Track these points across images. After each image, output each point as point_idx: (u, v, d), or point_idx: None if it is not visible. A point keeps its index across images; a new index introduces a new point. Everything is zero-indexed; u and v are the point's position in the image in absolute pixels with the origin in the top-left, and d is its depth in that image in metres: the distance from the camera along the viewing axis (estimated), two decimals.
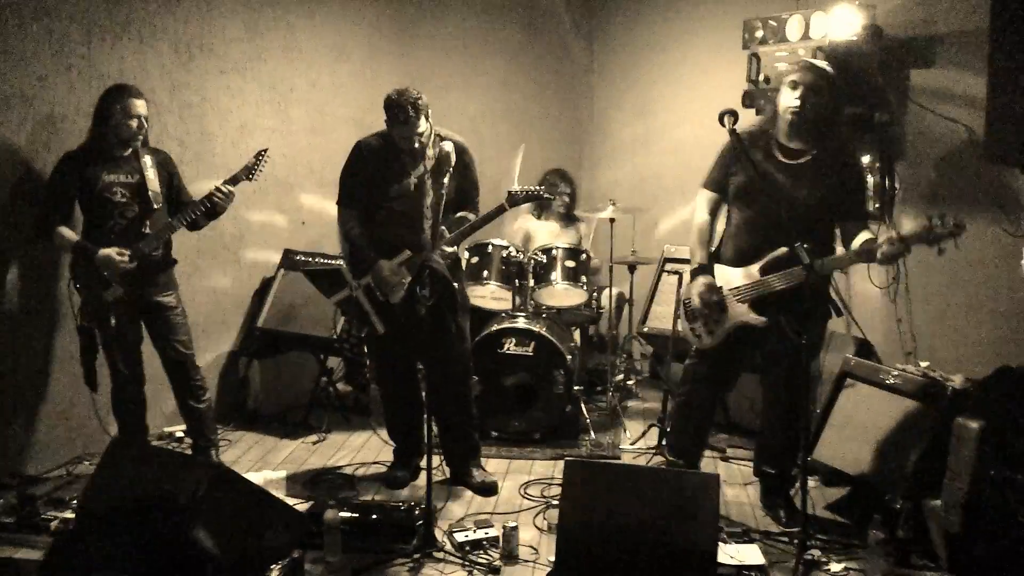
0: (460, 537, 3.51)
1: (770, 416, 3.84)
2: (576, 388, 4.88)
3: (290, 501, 3.68)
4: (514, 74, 6.58)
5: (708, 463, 4.49)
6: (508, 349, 4.76)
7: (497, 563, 3.37)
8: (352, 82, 5.77)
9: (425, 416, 3.78)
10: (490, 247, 5.04)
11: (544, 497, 4.05)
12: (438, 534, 3.55)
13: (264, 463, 4.54)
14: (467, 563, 3.38)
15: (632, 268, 5.36)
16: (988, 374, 3.49)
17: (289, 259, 5.29)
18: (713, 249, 3.79)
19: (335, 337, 5.03)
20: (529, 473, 4.38)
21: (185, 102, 4.84)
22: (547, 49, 6.65)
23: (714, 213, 3.77)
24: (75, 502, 3.72)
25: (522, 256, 5.02)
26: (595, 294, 5.22)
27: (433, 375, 4.05)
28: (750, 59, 4.72)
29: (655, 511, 3.01)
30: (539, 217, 5.84)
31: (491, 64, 6.48)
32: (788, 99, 3.46)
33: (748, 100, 4.70)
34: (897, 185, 4.54)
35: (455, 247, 3.96)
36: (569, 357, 4.77)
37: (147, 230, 4.00)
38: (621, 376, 5.66)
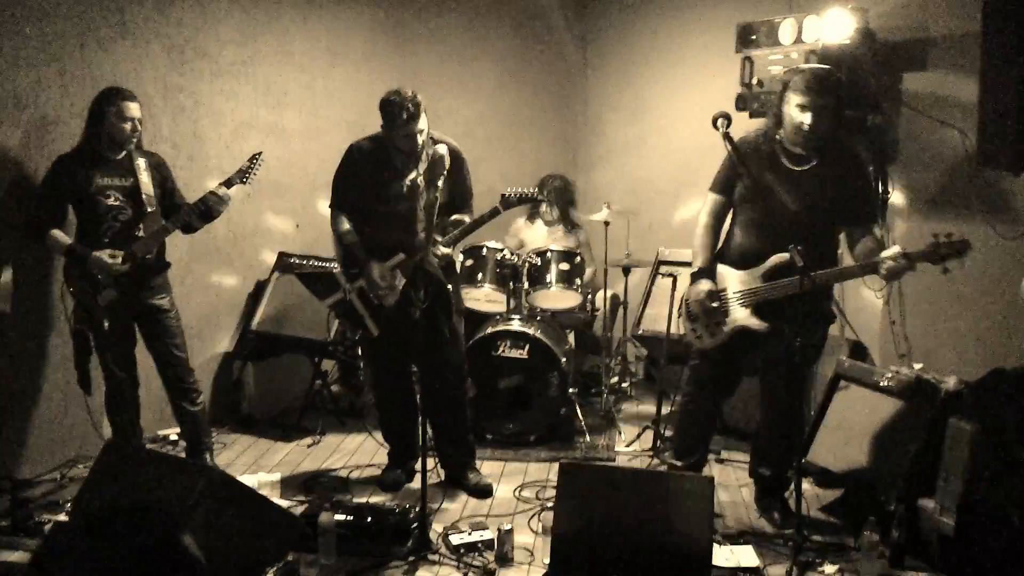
0: (455, 539, 3.51)
1: (767, 418, 3.84)
2: (571, 390, 4.88)
3: (285, 504, 3.68)
4: (508, 77, 6.59)
5: None
6: (503, 352, 4.76)
7: (492, 566, 3.37)
8: (346, 85, 5.77)
9: (420, 419, 3.78)
10: (484, 250, 5.04)
11: (539, 499, 4.06)
12: (433, 537, 3.55)
13: (258, 466, 4.53)
14: (462, 565, 3.38)
15: (626, 270, 5.36)
16: (981, 376, 3.50)
17: (283, 262, 5.29)
18: (718, 246, 3.79)
19: (329, 340, 5.03)
20: (524, 475, 4.38)
21: (179, 105, 4.83)
22: (541, 52, 6.66)
23: (719, 216, 3.75)
24: (69, 505, 3.71)
25: (516, 259, 5.02)
26: (589, 296, 5.22)
27: (428, 378, 4.05)
28: (743, 62, 4.73)
29: (650, 513, 3.02)
30: (534, 222, 5.81)
31: (485, 67, 6.49)
32: (800, 117, 3.42)
33: (741, 103, 4.71)
34: (890, 188, 4.56)
35: (450, 248, 3.96)
36: (564, 359, 4.77)
37: (141, 233, 4.00)
38: (616, 378, 5.66)
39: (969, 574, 3.18)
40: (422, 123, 3.80)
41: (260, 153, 4.16)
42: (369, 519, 3.54)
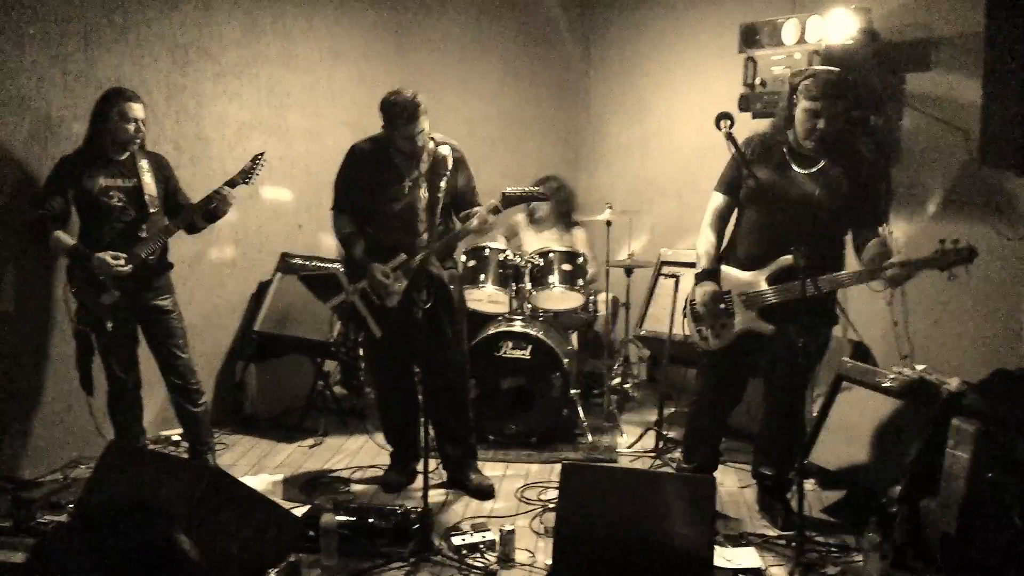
0: (457, 540, 3.51)
1: (770, 419, 3.84)
2: (573, 391, 4.88)
3: (287, 505, 3.68)
4: (510, 77, 6.59)
5: None
6: (505, 352, 4.76)
7: (494, 567, 3.37)
8: (349, 86, 5.77)
9: (422, 419, 3.78)
10: (487, 250, 5.04)
11: (541, 500, 4.05)
12: (435, 538, 3.55)
13: (260, 467, 4.53)
14: (464, 567, 3.38)
15: (629, 271, 5.36)
16: (984, 377, 3.49)
17: (286, 262, 5.29)
18: (723, 246, 3.78)
19: (331, 340, 5.03)
20: (526, 476, 4.38)
21: (182, 106, 4.84)
22: (543, 52, 6.66)
23: (724, 216, 3.74)
24: (71, 506, 3.71)
25: (519, 259, 5.02)
26: (592, 297, 5.22)
27: (430, 378, 4.05)
28: (746, 63, 4.73)
29: (651, 514, 3.02)
30: (531, 223, 5.79)
31: (487, 67, 6.49)
32: (811, 120, 3.42)
33: (744, 104, 4.70)
34: (893, 188, 4.55)
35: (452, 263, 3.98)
36: (566, 360, 4.77)
37: (143, 234, 4.00)
38: (618, 379, 5.66)
39: (971, 575, 3.17)
40: (422, 124, 3.79)
41: (263, 153, 4.16)
42: (371, 520, 3.54)
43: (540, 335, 4.74)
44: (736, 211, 3.75)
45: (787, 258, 3.45)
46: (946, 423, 3.32)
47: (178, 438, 4.69)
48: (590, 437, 4.85)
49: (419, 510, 3.55)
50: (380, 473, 4.35)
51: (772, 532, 3.70)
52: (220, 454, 4.58)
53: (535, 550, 3.55)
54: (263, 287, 5.34)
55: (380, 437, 4.45)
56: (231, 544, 2.95)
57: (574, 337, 5.50)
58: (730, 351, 3.72)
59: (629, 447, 4.78)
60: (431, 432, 3.95)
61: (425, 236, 3.90)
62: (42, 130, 4.20)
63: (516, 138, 6.61)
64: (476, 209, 3.90)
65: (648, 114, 6.36)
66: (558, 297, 5.05)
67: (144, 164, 4.04)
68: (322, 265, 5.03)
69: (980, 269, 3.98)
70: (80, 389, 4.09)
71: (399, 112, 3.75)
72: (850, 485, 3.90)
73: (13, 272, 4.18)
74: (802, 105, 3.44)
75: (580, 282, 5.04)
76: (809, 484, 4.00)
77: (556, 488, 3.32)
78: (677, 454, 4.45)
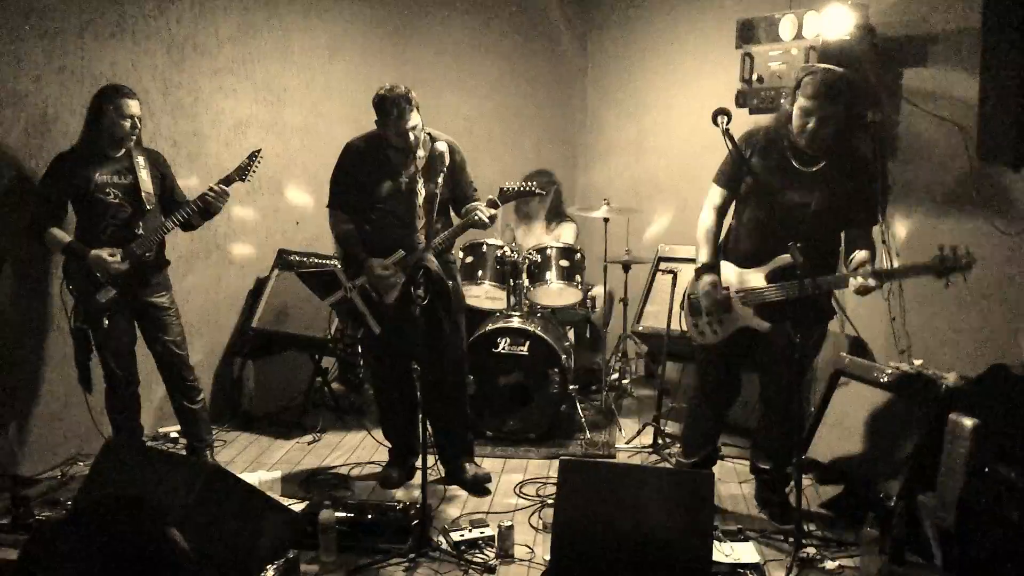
0: (456, 536, 3.51)
1: (767, 414, 3.85)
2: (571, 387, 4.88)
3: (285, 501, 3.67)
4: (507, 74, 6.58)
5: None
6: (503, 348, 4.76)
7: (492, 562, 3.38)
8: (346, 82, 5.76)
9: (420, 416, 3.78)
10: (484, 246, 5.04)
11: (539, 496, 4.06)
12: (433, 534, 3.55)
13: (259, 463, 4.53)
14: (463, 563, 3.38)
15: (626, 267, 5.36)
16: (982, 372, 3.50)
17: (283, 259, 5.29)
18: (720, 240, 3.79)
19: (329, 337, 5.03)
20: (524, 472, 4.38)
21: (178, 102, 4.83)
22: (540, 49, 6.65)
23: (723, 210, 3.75)
24: (69, 503, 3.71)
25: (516, 255, 5.02)
26: (589, 292, 5.22)
27: (428, 375, 4.05)
28: (743, 58, 4.72)
29: (650, 510, 3.02)
30: (521, 219, 5.77)
31: (484, 64, 6.48)
32: (804, 120, 3.43)
33: (741, 99, 4.70)
34: (890, 184, 4.55)
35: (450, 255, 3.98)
36: (564, 356, 4.77)
37: (140, 231, 3.99)
38: (616, 375, 5.66)
39: (969, 569, 3.18)
40: (414, 119, 3.79)
41: (259, 150, 4.16)
42: (370, 516, 3.54)
43: (538, 331, 4.74)
44: (734, 205, 3.76)
45: (786, 257, 3.45)
46: (944, 418, 3.33)
47: (176, 435, 4.69)
48: (588, 433, 4.85)
49: (418, 506, 3.56)
50: (378, 469, 4.36)
51: (770, 527, 3.70)
52: (218, 451, 4.58)
53: (534, 545, 3.55)
54: (261, 284, 5.33)
55: (378, 433, 4.45)
56: (230, 541, 2.95)
57: (572, 333, 5.50)
58: (726, 345, 3.73)
59: (627, 443, 4.79)
60: (429, 428, 3.94)
61: (423, 232, 3.89)
62: (38, 127, 4.19)
63: (514, 135, 6.61)
64: (474, 205, 3.91)
65: (645, 110, 6.36)
66: (556, 293, 5.05)
67: (140, 161, 4.04)
68: (320, 262, 5.03)
69: (977, 264, 3.99)
70: (78, 386, 4.08)
71: (390, 107, 3.75)
72: (848, 480, 3.91)
73: (10, 270, 4.17)
74: (798, 102, 3.45)
75: (577, 278, 5.05)
76: (807, 479, 4.01)
77: (554, 484, 3.32)
78: (675, 449, 4.45)
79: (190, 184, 4.46)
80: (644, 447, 4.69)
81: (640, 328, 5.39)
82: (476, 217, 3.82)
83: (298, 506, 3.73)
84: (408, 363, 4.26)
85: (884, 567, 3.22)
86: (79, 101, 4.16)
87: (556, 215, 5.68)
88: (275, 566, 3.11)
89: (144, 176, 4.02)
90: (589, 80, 6.75)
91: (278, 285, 5.22)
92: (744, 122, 3.88)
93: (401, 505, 3.63)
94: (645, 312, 5.41)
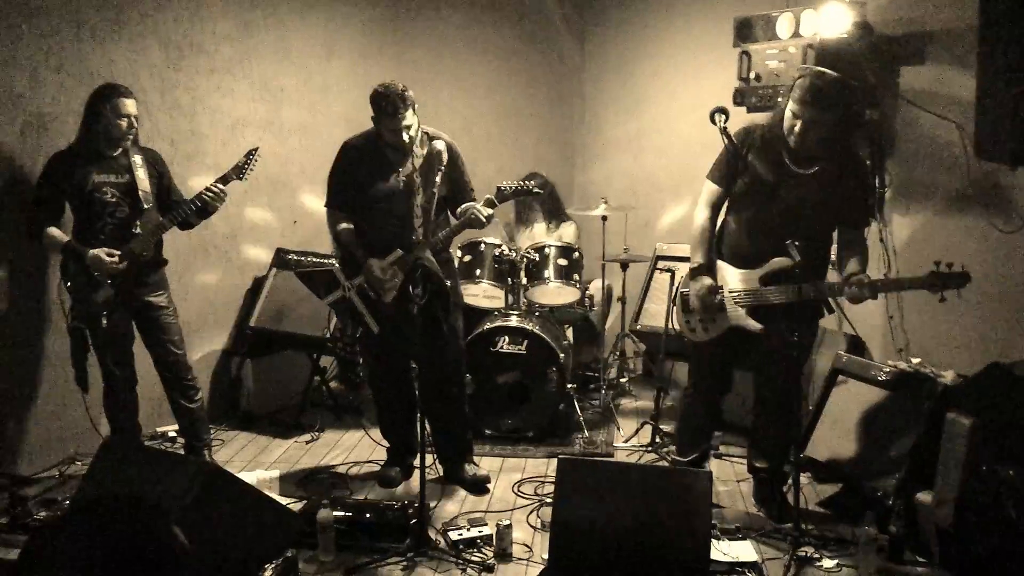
0: (454, 535, 3.51)
1: (763, 413, 3.85)
2: (569, 386, 4.88)
3: (283, 500, 3.68)
4: (505, 73, 6.58)
5: None
6: (501, 347, 4.76)
7: (491, 561, 3.38)
8: (343, 81, 5.76)
9: (418, 415, 3.78)
10: (482, 245, 5.04)
11: (538, 495, 4.06)
12: (432, 533, 3.55)
13: (257, 463, 4.53)
14: (461, 561, 3.38)
15: (625, 266, 5.36)
16: (979, 370, 3.50)
17: (281, 258, 5.28)
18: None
19: (327, 336, 5.03)
20: (522, 471, 4.38)
21: (176, 101, 4.82)
22: (539, 47, 6.65)
23: (716, 208, 3.74)
24: (67, 503, 3.70)
25: (514, 254, 5.02)
26: (587, 291, 5.22)
27: (426, 374, 4.05)
28: (741, 57, 4.73)
29: (648, 508, 3.02)
30: (520, 221, 5.77)
31: (482, 63, 6.48)
32: (791, 123, 3.43)
33: (739, 98, 4.70)
34: (888, 182, 4.55)
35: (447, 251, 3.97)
36: (562, 355, 4.77)
37: (137, 230, 3.99)
38: (614, 374, 5.66)
39: (967, 567, 3.18)
40: (409, 118, 3.79)
41: (257, 149, 4.15)
42: (368, 515, 3.55)
43: (536, 330, 4.74)
44: (727, 203, 3.75)
45: (782, 260, 3.46)
46: (941, 416, 3.33)
47: (174, 434, 4.69)
48: (586, 432, 4.85)
49: (416, 505, 3.56)
50: (377, 468, 4.36)
51: (768, 525, 3.71)
52: (216, 450, 4.58)
53: (532, 544, 3.55)
54: (259, 283, 5.33)
55: (376, 432, 4.45)
56: (228, 540, 2.95)
57: (570, 332, 5.50)
58: (717, 343, 3.73)
59: (625, 441, 4.79)
60: (428, 427, 3.94)
61: (420, 231, 3.89)
62: (35, 126, 4.19)
63: (512, 133, 6.60)
64: (471, 204, 3.90)
65: (643, 109, 6.36)
66: (554, 292, 5.05)
67: (138, 160, 4.03)
68: (318, 261, 5.02)
69: (975, 262, 3.99)
70: (75, 386, 4.08)
71: (385, 104, 3.75)
72: (846, 478, 3.91)
73: (7, 269, 4.17)
74: (790, 105, 3.44)
75: (575, 277, 5.05)
76: (805, 477, 4.01)
77: (553, 483, 3.32)
78: (673, 447, 4.45)
79: (188, 183, 4.46)
80: (642, 446, 4.69)
81: (638, 327, 5.39)
82: (473, 216, 3.82)
83: (296, 505, 3.73)
84: (406, 362, 4.29)
85: (882, 565, 3.23)
86: (76, 101, 4.16)
87: (556, 215, 5.68)
88: (273, 565, 3.11)
89: (141, 175, 4.02)
90: (587, 78, 6.75)
91: (276, 284, 5.21)
92: (742, 121, 3.87)
93: (399, 504, 3.63)
94: (643, 311, 5.41)
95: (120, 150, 4.00)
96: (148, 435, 4.67)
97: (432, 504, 3.88)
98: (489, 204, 3.86)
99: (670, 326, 4.47)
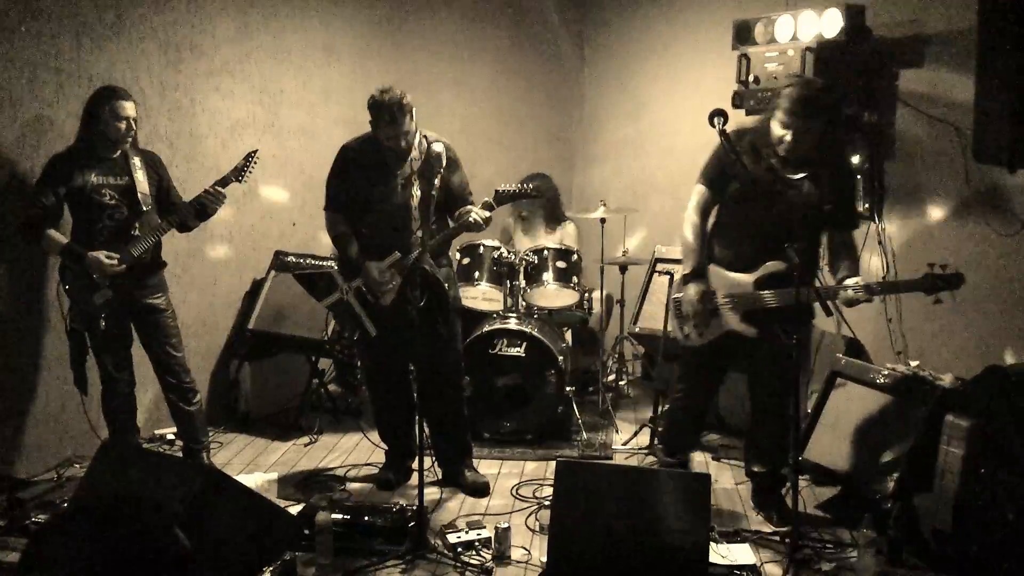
0: (452, 538, 3.51)
1: (759, 417, 3.86)
2: (568, 389, 4.88)
3: (282, 503, 3.68)
4: (504, 75, 6.58)
5: (700, 463, 4.51)
6: (500, 350, 4.76)
7: (489, 564, 3.37)
8: (342, 83, 5.76)
9: (417, 417, 3.78)
10: (481, 248, 5.04)
11: (536, 498, 4.05)
12: (430, 535, 3.55)
13: (255, 465, 4.52)
14: (459, 564, 3.38)
15: (623, 268, 5.36)
16: (978, 373, 3.50)
17: (280, 260, 5.28)
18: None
19: (326, 338, 5.03)
20: (521, 474, 4.38)
21: (175, 103, 4.82)
22: (537, 50, 6.65)
23: (707, 212, 3.74)
24: (65, 505, 3.70)
25: (513, 257, 5.02)
26: (586, 295, 5.22)
27: (425, 376, 4.05)
28: (740, 60, 4.73)
29: (647, 511, 3.02)
30: (520, 223, 5.77)
31: (481, 65, 6.48)
32: (780, 133, 3.45)
33: (738, 100, 4.70)
34: (886, 186, 4.56)
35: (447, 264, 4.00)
36: (561, 358, 4.77)
37: (136, 232, 3.99)
38: (613, 376, 5.66)
39: (966, 570, 3.18)
40: (407, 125, 3.79)
41: (255, 151, 4.16)
42: (366, 518, 3.54)
43: (535, 332, 4.74)
44: (719, 207, 3.75)
45: (776, 263, 3.49)
46: (940, 419, 3.33)
47: (172, 437, 4.68)
48: (585, 434, 4.85)
49: (414, 508, 3.55)
50: (375, 471, 4.35)
51: (767, 528, 3.71)
52: (215, 453, 4.58)
53: (530, 547, 3.55)
54: (257, 285, 5.32)
55: (375, 435, 4.45)
56: (226, 543, 2.94)
57: (568, 335, 5.50)
58: (712, 348, 3.74)
59: (624, 444, 4.79)
60: (426, 430, 3.94)
61: (419, 234, 3.89)
62: (34, 128, 4.19)
63: (510, 136, 6.61)
64: (468, 208, 3.90)
65: (642, 111, 6.36)
66: (552, 294, 5.05)
67: (137, 162, 4.03)
68: (316, 264, 5.02)
69: (973, 265, 4.00)
70: (74, 388, 4.07)
71: (383, 111, 3.76)
72: (844, 481, 3.91)
73: (6, 271, 4.17)
74: (778, 116, 3.47)
75: (574, 279, 5.05)
76: (803, 480, 4.01)
77: (551, 485, 3.32)
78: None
79: (186, 185, 4.45)
80: (641, 448, 4.69)
81: (637, 329, 5.39)
82: (471, 219, 3.82)
83: (295, 508, 3.73)
84: (405, 365, 4.29)
85: (881, 568, 3.23)
86: (75, 103, 4.16)
87: (556, 218, 5.68)
88: (272, 568, 3.11)
89: (140, 177, 4.02)
90: (586, 81, 6.76)
91: (275, 286, 5.21)
92: (741, 123, 3.87)
93: (398, 507, 3.62)
94: (642, 313, 5.42)
95: (119, 152, 4.00)
96: (146, 438, 4.67)
97: (430, 507, 3.88)
98: (487, 207, 3.86)
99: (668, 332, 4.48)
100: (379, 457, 4.43)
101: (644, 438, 4.77)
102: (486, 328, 4.80)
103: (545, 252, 5.05)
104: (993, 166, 3.76)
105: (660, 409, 4.75)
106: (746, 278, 3.60)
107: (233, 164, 4.13)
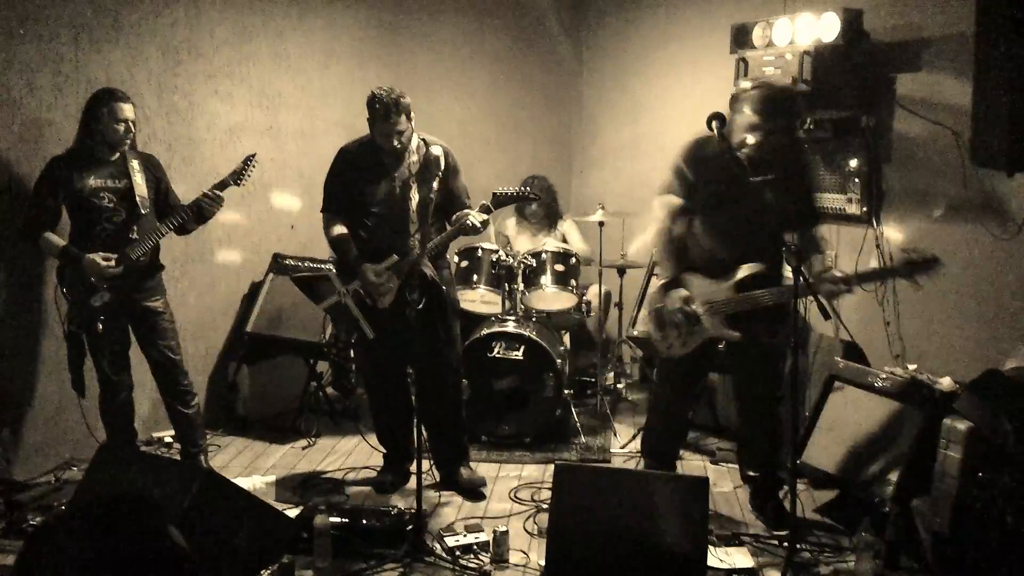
0: (450, 541, 3.51)
1: (748, 421, 3.88)
2: (566, 392, 4.88)
3: (280, 506, 3.68)
4: (503, 78, 6.58)
5: (697, 466, 4.51)
6: (498, 353, 4.75)
7: (487, 567, 3.38)
8: (341, 86, 5.76)
9: (415, 420, 3.78)
10: (479, 251, 5.03)
11: (534, 501, 4.05)
12: (428, 539, 3.55)
13: (253, 468, 4.52)
14: (457, 567, 3.38)
15: (622, 271, 5.36)
16: (976, 376, 3.50)
17: (278, 263, 5.28)
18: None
19: (324, 341, 5.02)
20: (519, 477, 4.38)
21: (173, 106, 4.82)
22: (536, 53, 6.66)
23: (679, 220, 3.75)
24: (63, 508, 3.69)
25: (511, 260, 5.02)
26: (583, 295, 5.22)
27: (423, 379, 4.05)
28: (738, 63, 4.73)
29: (645, 514, 3.02)
30: (520, 225, 5.78)
31: (480, 68, 6.48)
32: (744, 134, 3.50)
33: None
34: (884, 189, 4.56)
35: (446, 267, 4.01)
36: (559, 361, 4.77)
37: (134, 235, 3.99)
38: (611, 380, 5.66)
39: (964, 574, 3.18)
40: (401, 123, 3.79)
41: (254, 155, 4.16)
42: (364, 521, 3.54)
43: (533, 335, 4.74)
44: (689, 215, 3.76)
45: (755, 266, 3.53)
46: (938, 423, 3.33)
47: (170, 440, 4.68)
48: (583, 437, 4.85)
49: (412, 511, 3.55)
50: (373, 474, 4.35)
51: (765, 532, 3.71)
52: (212, 456, 4.57)
53: (529, 550, 3.55)
54: (255, 288, 5.32)
55: (373, 438, 4.45)
56: (224, 546, 2.94)
57: (567, 338, 5.50)
58: (692, 357, 3.74)
59: (622, 447, 4.79)
60: (424, 433, 3.94)
61: (417, 237, 3.89)
62: (32, 131, 4.19)
63: (509, 139, 6.61)
64: (465, 212, 3.90)
65: (641, 114, 6.37)
66: (551, 297, 5.05)
67: (135, 165, 4.03)
68: (315, 267, 5.02)
69: (971, 268, 4.00)
70: (72, 391, 4.08)
71: (378, 107, 3.77)
72: (842, 485, 3.91)
73: (3, 274, 4.17)
74: (742, 119, 3.52)
75: (573, 282, 5.05)
76: (802, 484, 4.01)
77: (550, 489, 3.32)
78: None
79: (185, 188, 4.45)
80: (639, 451, 4.68)
81: (635, 332, 5.39)
82: (468, 223, 3.82)
83: (293, 511, 3.72)
84: (403, 368, 4.29)
85: (879, 572, 3.23)
86: (74, 105, 4.16)
87: (555, 218, 5.69)
88: (269, 571, 3.10)
89: (139, 180, 4.02)
90: (584, 83, 6.76)
91: (273, 289, 5.21)
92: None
93: (396, 510, 3.63)
94: (640, 316, 5.41)
95: (117, 155, 4.00)
96: (144, 440, 4.66)
97: (428, 510, 3.87)
98: (484, 210, 3.86)
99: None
100: (377, 460, 4.42)
101: None
102: (484, 331, 4.80)
103: (543, 255, 5.05)
104: (991, 170, 3.76)
105: None
106: (722, 283, 3.62)
107: (231, 167, 4.13)
